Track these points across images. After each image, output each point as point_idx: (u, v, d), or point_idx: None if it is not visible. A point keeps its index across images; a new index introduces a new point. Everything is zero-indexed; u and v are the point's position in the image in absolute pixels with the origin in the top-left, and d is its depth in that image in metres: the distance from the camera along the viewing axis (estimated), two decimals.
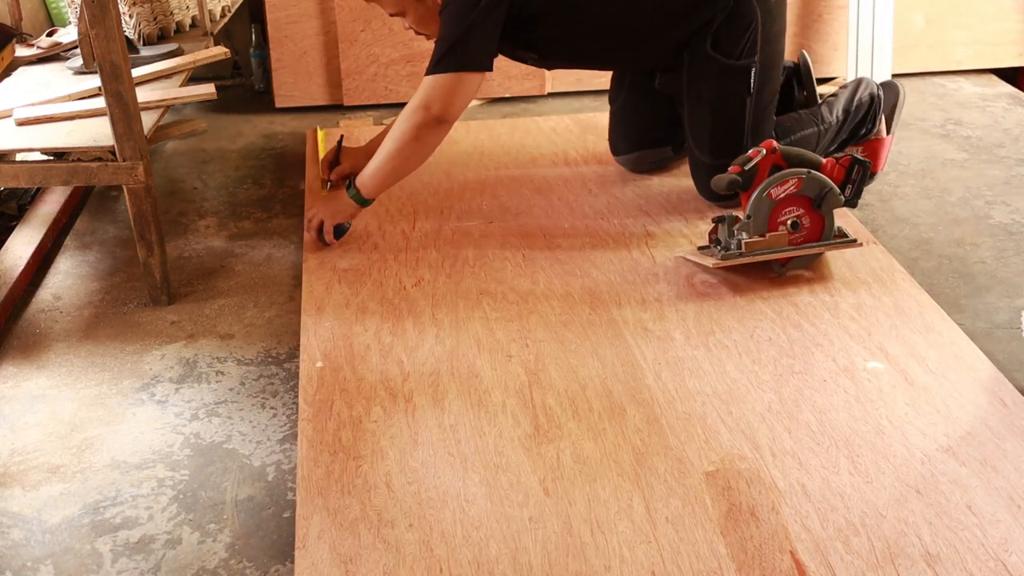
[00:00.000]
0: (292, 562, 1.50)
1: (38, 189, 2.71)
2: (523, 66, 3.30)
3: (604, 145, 2.89)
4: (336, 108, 3.34)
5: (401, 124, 2.17)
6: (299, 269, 2.33)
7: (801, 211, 2.17)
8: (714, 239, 2.22)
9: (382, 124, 3.16)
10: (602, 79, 3.37)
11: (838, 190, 2.18)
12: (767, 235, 2.14)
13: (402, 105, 3.27)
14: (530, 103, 3.35)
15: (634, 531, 1.50)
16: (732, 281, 2.16)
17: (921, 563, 1.44)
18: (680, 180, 2.65)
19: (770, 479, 1.60)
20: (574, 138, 2.96)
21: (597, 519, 1.53)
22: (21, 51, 2.67)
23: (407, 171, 2.23)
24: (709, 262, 2.17)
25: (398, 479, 1.62)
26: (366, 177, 2.21)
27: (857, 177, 2.24)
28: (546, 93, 3.38)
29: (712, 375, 1.86)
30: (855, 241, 2.21)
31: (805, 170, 2.16)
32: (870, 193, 2.63)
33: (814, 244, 2.18)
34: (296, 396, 1.88)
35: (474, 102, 3.34)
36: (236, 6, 3.20)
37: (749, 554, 1.46)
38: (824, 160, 2.23)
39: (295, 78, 3.31)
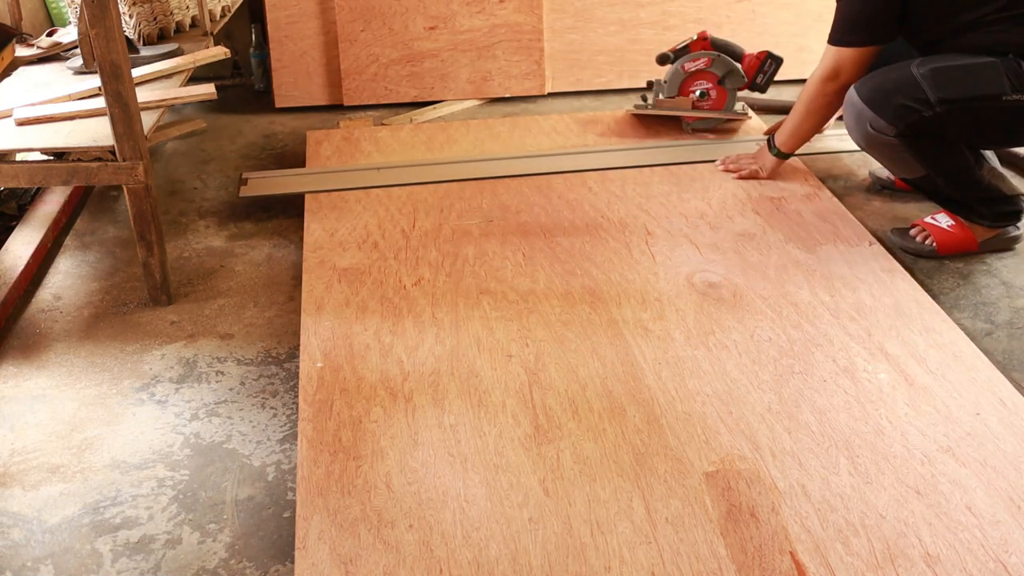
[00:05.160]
0: (292, 562, 1.50)
1: (38, 189, 2.71)
2: (523, 66, 3.31)
3: (604, 144, 2.89)
4: (336, 108, 3.34)
5: (812, 92, 2.41)
6: (299, 269, 2.32)
7: (710, 85, 2.85)
8: (642, 96, 3.00)
9: (382, 124, 3.16)
10: (602, 79, 3.39)
11: (741, 71, 2.81)
12: (676, 98, 2.89)
13: (402, 105, 3.33)
14: (530, 103, 3.35)
15: (634, 532, 1.50)
16: (732, 281, 2.16)
17: (921, 564, 1.44)
18: (681, 181, 2.65)
19: (770, 480, 1.60)
20: (574, 137, 2.96)
21: (597, 520, 1.53)
22: (21, 51, 2.67)
23: (818, 130, 2.60)
24: (628, 111, 3.00)
25: (398, 479, 1.62)
26: (785, 137, 2.57)
27: (769, 69, 2.82)
28: (546, 93, 3.38)
29: (712, 375, 1.86)
30: (747, 115, 2.92)
31: (716, 52, 2.80)
32: (870, 195, 2.63)
33: (712, 112, 2.88)
34: (296, 396, 1.88)
35: (474, 102, 3.34)
36: (236, 6, 3.20)
37: (749, 555, 1.46)
38: (744, 53, 2.82)
39: (295, 78, 3.31)
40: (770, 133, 2.71)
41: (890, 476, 1.60)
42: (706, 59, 2.81)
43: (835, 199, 2.54)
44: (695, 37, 2.83)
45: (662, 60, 2.86)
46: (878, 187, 2.65)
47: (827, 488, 1.58)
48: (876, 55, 2.29)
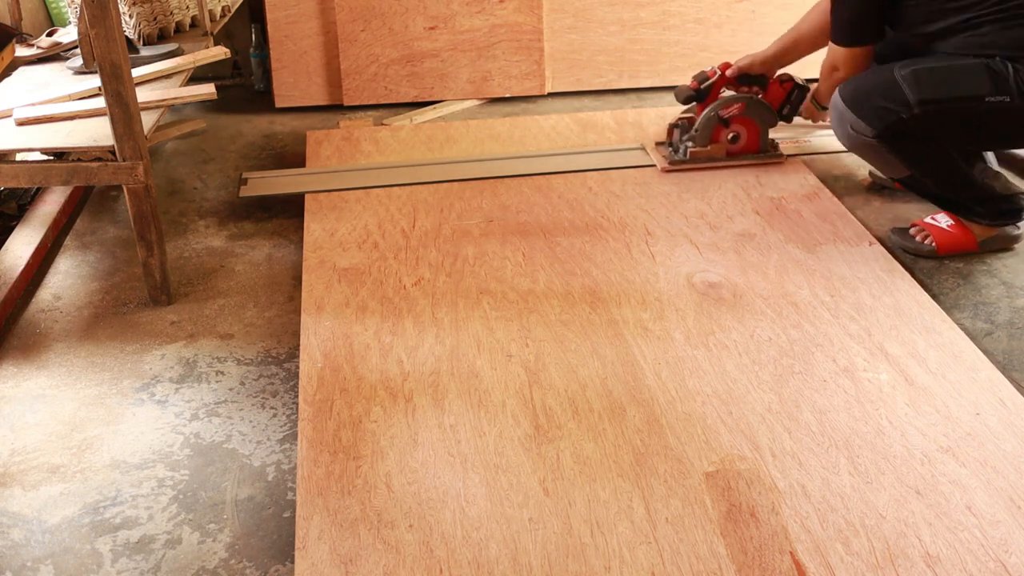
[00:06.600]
0: (292, 562, 1.50)
1: (38, 189, 2.71)
2: (523, 66, 3.31)
3: (604, 144, 2.89)
4: (336, 108, 3.34)
5: (821, 81, 2.50)
6: (299, 269, 2.32)
7: (742, 127, 2.69)
8: (669, 141, 2.78)
9: (382, 124, 3.16)
10: (602, 79, 3.39)
11: (774, 112, 2.69)
12: (709, 146, 2.70)
13: (402, 105, 3.33)
14: (530, 103, 3.35)
15: (634, 532, 1.50)
16: (732, 281, 2.16)
17: (921, 564, 1.44)
18: (680, 181, 2.65)
19: (770, 480, 1.60)
20: (574, 137, 2.96)
21: (597, 520, 1.53)
22: (21, 51, 2.67)
23: None
24: (660, 165, 2.71)
25: (398, 479, 1.62)
26: (821, 95, 2.59)
27: (796, 100, 2.71)
28: (546, 93, 3.38)
29: (712, 375, 1.86)
30: (781, 156, 2.74)
31: (748, 96, 2.66)
32: (870, 195, 2.63)
33: (747, 156, 2.72)
34: (296, 396, 1.88)
35: (474, 102, 3.34)
36: (236, 6, 3.20)
37: (749, 555, 1.46)
38: (771, 79, 2.69)
39: (295, 78, 3.31)
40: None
41: (890, 476, 1.60)
42: (740, 104, 2.65)
43: (835, 199, 2.54)
44: (719, 72, 2.68)
45: (687, 99, 2.70)
46: (878, 187, 2.65)
47: (827, 488, 1.58)
48: (870, 52, 2.31)
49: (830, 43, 2.37)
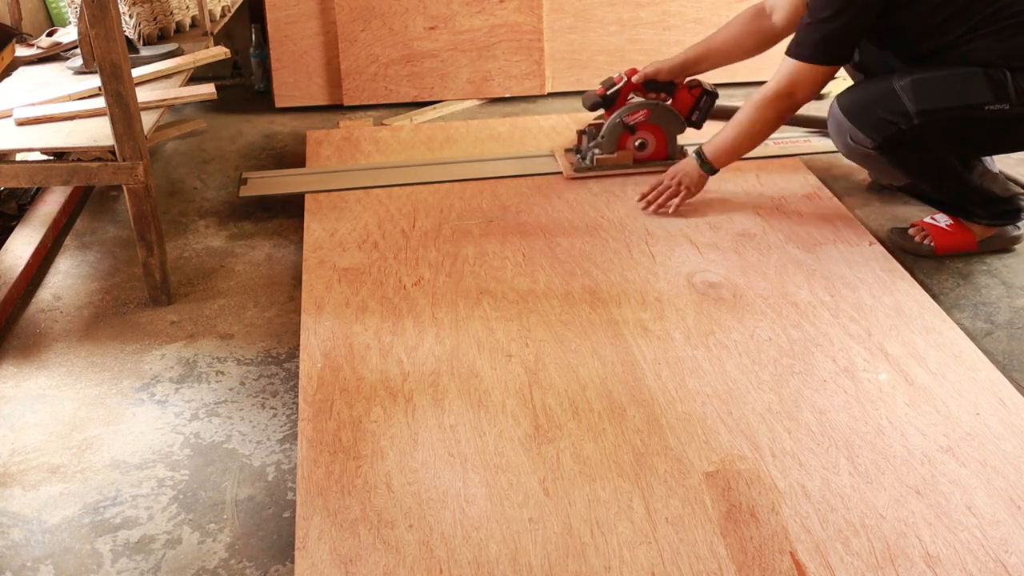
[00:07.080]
0: (292, 562, 1.50)
1: (38, 189, 2.71)
2: (523, 66, 3.31)
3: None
4: (336, 108, 3.34)
5: (763, 108, 2.28)
6: (299, 269, 2.32)
7: (649, 134, 2.65)
8: (578, 148, 2.73)
9: (382, 124, 3.16)
10: (602, 79, 3.38)
11: (681, 119, 2.63)
12: (616, 153, 2.65)
13: (402, 105, 3.33)
14: (530, 103, 3.35)
15: (634, 532, 1.50)
16: (732, 281, 2.16)
17: (921, 564, 1.44)
18: None
19: (770, 480, 1.60)
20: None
21: (597, 520, 1.53)
22: (21, 51, 2.67)
23: (756, 146, 2.39)
24: (566, 172, 2.67)
25: (398, 479, 1.62)
26: (719, 152, 2.39)
27: (704, 106, 2.63)
28: (546, 93, 3.38)
29: (712, 375, 1.86)
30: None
31: (654, 102, 2.60)
32: (870, 195, 2.63)
33: (655, 163, 2.67)
34: (296, 396, 1.88)
35: (474, 102, 3.34)
36: (236, 6, 3.20)
37: (749, 555, 1.46)
38: (679, 85, 2.62)
39: (295, 78, 3.32)
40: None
41: (890, 476, 1.60)
42: (646, 110, 2.60)
43: (835, 199, 2.54)
44: (625, 78, 2.60)
45: (594, 106, 2.64)
46: (878, 187, 2.65)
47: (827, 488, 1.58)
48: (831, 77, 2.24)
49: (793, 65, 2.20)
